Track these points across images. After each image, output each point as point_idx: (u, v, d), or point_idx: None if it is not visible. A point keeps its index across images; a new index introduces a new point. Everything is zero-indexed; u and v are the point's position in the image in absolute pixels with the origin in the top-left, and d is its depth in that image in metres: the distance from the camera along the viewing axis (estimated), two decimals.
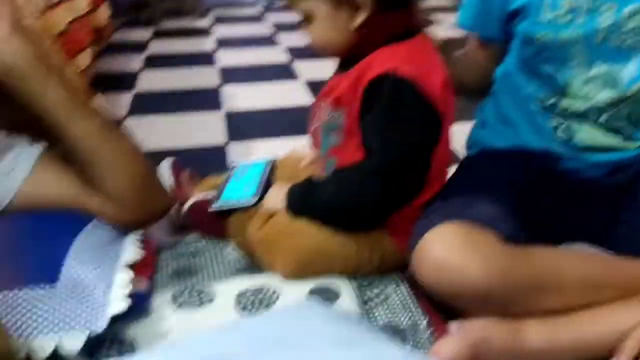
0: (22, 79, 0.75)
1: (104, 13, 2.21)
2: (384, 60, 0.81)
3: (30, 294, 0.74)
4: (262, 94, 2.13)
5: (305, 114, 1.86)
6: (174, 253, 1.06)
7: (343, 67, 0.89)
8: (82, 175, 0.86)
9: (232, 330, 0.52)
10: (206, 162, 1.53)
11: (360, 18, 0.81)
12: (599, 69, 0.89)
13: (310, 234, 0.89)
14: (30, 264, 0.79)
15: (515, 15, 0.95)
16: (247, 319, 0.68)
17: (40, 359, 0.65)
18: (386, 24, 0.82)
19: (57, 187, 0.86)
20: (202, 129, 1.79)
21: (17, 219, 0.85)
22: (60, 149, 0.87)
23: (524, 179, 0.95)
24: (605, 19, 0.85)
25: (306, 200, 0.90)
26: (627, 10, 0.84)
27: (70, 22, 1.54)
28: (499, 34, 1.00)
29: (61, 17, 1.43)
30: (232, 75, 2.35)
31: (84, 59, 1.66)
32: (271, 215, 0.93)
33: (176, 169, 1.26)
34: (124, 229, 0.93)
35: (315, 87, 2.17)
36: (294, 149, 1.23)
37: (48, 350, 0.65)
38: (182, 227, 1.16)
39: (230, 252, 1.05)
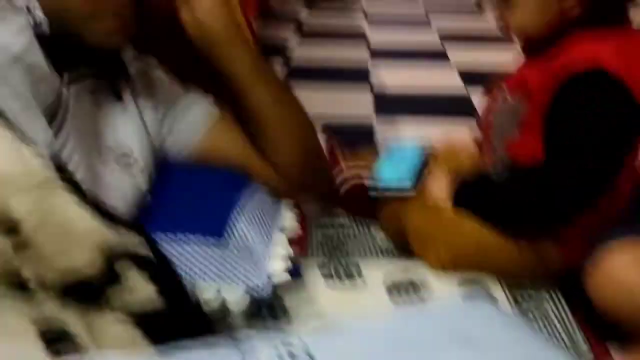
0: (219, 45, 0.78)
1: None
2: (588, 52, 0.74)
3: (200, 241, 0.77)
4: (412, 75, 2.09)
5: (456, 99, 1.83)
6: (321, 223, 1.07)
7: (532, 52, 0.82)
8: (253, 142, 0.88)
9: (408, 319, 0.50)
10: (354, 137, 1.53)
11: (569, 3, 0.75)
12: None
13: (473, 230, 0.85)
14: (200, 213, 0.82)
15: None
16: (417, 310, 0.67)
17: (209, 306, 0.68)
18: (596, 8, 0.75)
19: (230, 146, 0.89)
20: (351, 105, 1.79)
21: (190, 169, 0.89)
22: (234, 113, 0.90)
23: None
24: None
25: (478, 197, 0.85)
26: None
27: None
28: None
29: None
30: (382, 54, 2.33)
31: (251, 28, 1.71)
32: (432, 205, 0.91)
33: (329, 141, 1.26)
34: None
35: (466, 72, 2.09)
36: (450, 137, 1.19)
37: (213, 298, 0.68)
38: (333, 204, 1.17)
39: (378, 232, 1.04)
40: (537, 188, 0.79)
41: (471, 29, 2.76)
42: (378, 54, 2.35)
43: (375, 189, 1.06)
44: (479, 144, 1.06)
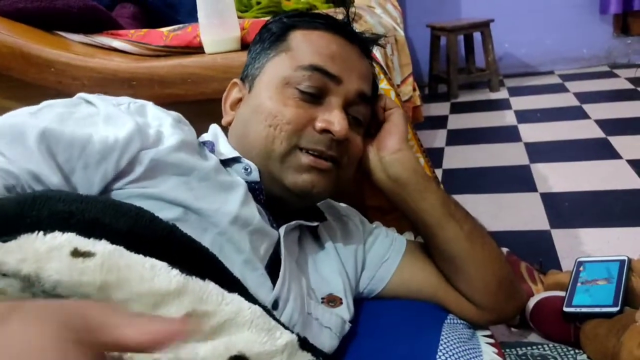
0: (405, 187, 0.81)
1: (418, 93, 2.36)
2: None
3: None
4: (578, 173, 1.99)
5: (636, 197, 1.69)
6: (520, 354, 1.01)
7: None
8: (441, 270, 0.88)
9: None
10: (529, 248, 1.46)
11: None
12: None
13: None
14: (404, 355, 0.82)
15: None
16: None
17: None
18: None
19: (423, 277, 0.89)
20: (519, 211, 1.73)
21: (387, 306, 0.90)
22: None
23: None
24: None
25: None
26: None
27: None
28: None
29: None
30: (540, 152, 2.26)
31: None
32: None
33: (512, 260, 1.22)
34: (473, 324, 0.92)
35: None
36: None
37: None
38: (521, 325, 1.12)
39: (581, 355, 0.96)
40: None
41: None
42: (535, 152, 2.28)
43: (575, 310, 1.00)
44: None
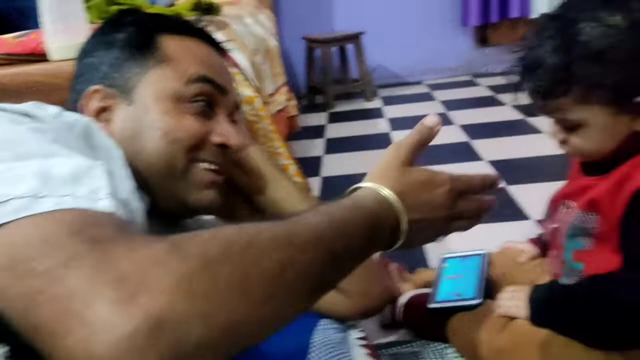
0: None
1: (294, 102, 2.38)
2: None
3: None
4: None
5: (498, 196, 1.81)
6: (391, 353, 1.03)
7: (596, 169, 0.82)
8: None
9: None
10: (407, 254, 1.51)
11: None
12: None
13: (559, 347, 0.80)
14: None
15: None
16: None
17: None
18: None
19: None
20: None
21: None
22: None
23: None
24: None
25: (556, 310, 0.82)
26: None
27: (274, 117, 1.66)
28: None
29: (270, 113, 1.54)
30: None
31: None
32: (507, 322, 0.87)
33: (382, 262, 1.25)
34: (343, 321, 0.92)
35: (499, 166, 2.09)
36: (508, 243, 1.16)
37: None
38: (393, 325, 1.14)
39: (452, 355, 1.00)
40: (618, 299, 0.75)
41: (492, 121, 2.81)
42: None
43: (438, 305, 1.04)
44: (542, 253, 1.04)
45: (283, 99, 1.88)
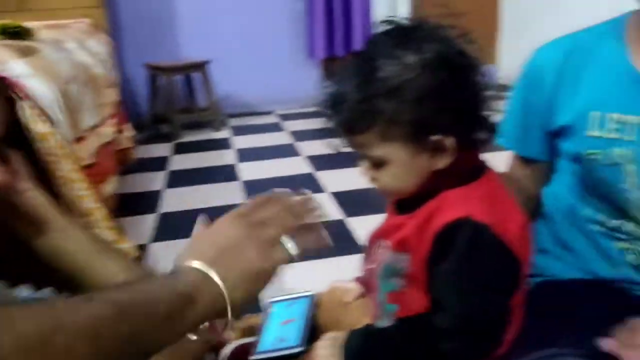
0: None
1: (128, 134, 2.22)
2: (456, 204, 0.74)
3: None
4: None
5: (337, 227, 1.82)
6: None
7: (406, 207, 0.81)
8: None
9: None
10: None
11: (443, 162, 0.73)
12: None
13: None
14: None
15: (558, 134, 0.89)
16: None
17: None
18: (462, 164, 0.75)
19: None
20: None
21: None
22: None
23: (602, 316, 0.85)
24: None
25: (369, 357, 0.79)
26: None
27: (98, 151, 1.51)
28: (541, 153, 0.94)
29: (90, 147, 1.40)
30: (256, 189, 2.31)
31: (111, 185, 1.62)
32: None
33: None
34: None
35: (343, 198, 2.12)
36: (335, 283, 1.14)
37: None
38: None
39: None
40: (428, 339, 0.74)
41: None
42: (251, 188, 2.33)
43: (261, 356, 0.98)
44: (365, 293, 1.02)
45: (110, 131, 1.74)
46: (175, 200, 2.27)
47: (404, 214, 0.82)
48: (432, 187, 0.76)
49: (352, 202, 2.07)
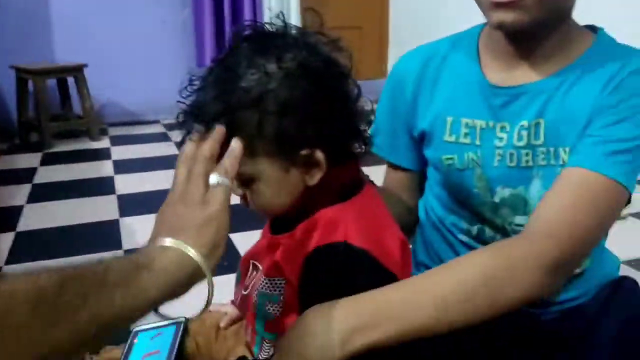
0: None
1: None
2: (330, 225, 0.66)
3: None
4: None
5: None
6: None
7: (281, 227, 0.73)
8: None
9: None
10: None
11: (315, 177, 0.67)
12: (502, 193, 0.81)
13: None
14: None
15: (422, 140, 0.89)
16: None
17: None
18: (337, 179, 0.69)
19: None
20: None
21: None
22: None
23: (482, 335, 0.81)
24: (500, 139, 0.80)
25: None
26: (518, 125, 0.79)
27: None
28: (411, 162, 0.94)
29: None
30: (133, 204, 2.13)
31: None
32: None
33: None
34: None
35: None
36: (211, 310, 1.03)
37: None
38: None
39: None
40: None
41: None
42: (127, 204, 2.15)
43: None
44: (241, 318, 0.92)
45: None
46: (38, 216, 2.03)
47: (279, 234, 0.74)
48: (307, 205, 0.69)
49: (237, 216, 1.96)
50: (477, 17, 0.87)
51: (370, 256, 0.65)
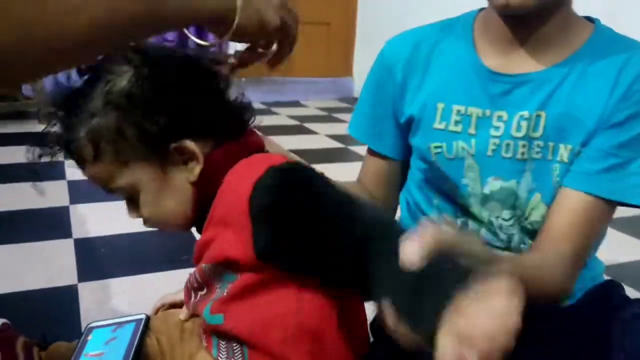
0: None
1: None
2: (242, 175, 0.60)
3: None
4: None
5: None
6: None
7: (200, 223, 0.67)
8: None
9: None
10: (50, 311, 1.18)
11: (195, 171, 0.64)
12: (493, 185, 0.79)
13: None
14: None
15: (409, 127, 0.86)
16: None
17: None
18: (227, 159, 0.64)
19: None
20: (48, 264, 1.43)
21: None
22: None
23: None
24: (496, 129, 0.77)
25: None
26: (517, 116, 0.76)
27: None
28: (393, 150, 0.90)
29: None
30: (84, 190, 2.00)
31: None
32: None
33: (6, 336, 0.91)
34: None
35: None
36: (166, 297, 0.97)
37: None
38: None
39: None
40: None
41: None
42: (77, 193, 2.02)
43: None
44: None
45: None
46: None
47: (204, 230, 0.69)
48: (203, 201, 0.64)
49: None
50: (447, 16, 0.86)
51: (304, 166, 0.61)
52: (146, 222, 0.68)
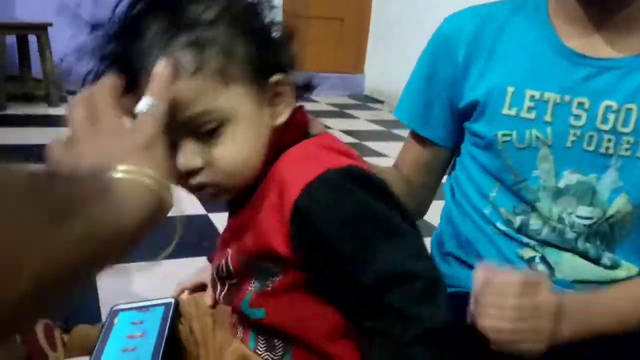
0: None
1: None
2: (300, 166, 0.56)
3: None
4: None
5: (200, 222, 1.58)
6: None
7: (240, 202, 0.62)
8: None
9: None
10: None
11: (285, 112, 0.61)
12: (569, 179, 0.73)
13: None
14: None
15: (467, 114, 0.80)
16: None
17: None
18: (300, 123, 0.62)
19: None
20: None
21: None
22: None
23: None
24: (577, 118, 0.71)
25: None
26: (602, 105, 0.70)
27: None
28: (441, 137, 0.85)
29: None
30: None
31: None
32: None
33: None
34: None
35: None
36: (182, 285, 0.94)
37: None
38: None
39: None
40: None
41: None
42: None
43: None
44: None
45: None
46: None
47: (237, 213, 0.64)
48: (271, 156, 0.60)
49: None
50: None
51: (361, 168, 0.57)
52: (205, 177, 0.59)
